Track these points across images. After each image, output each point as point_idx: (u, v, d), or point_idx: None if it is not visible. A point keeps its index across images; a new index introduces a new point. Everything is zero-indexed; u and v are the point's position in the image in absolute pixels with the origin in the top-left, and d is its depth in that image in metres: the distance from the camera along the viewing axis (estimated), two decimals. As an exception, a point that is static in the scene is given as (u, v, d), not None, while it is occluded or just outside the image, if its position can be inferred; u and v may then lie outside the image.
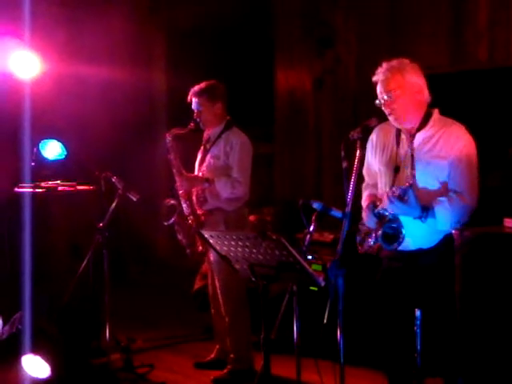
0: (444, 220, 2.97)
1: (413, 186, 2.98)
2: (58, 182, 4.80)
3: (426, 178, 3.03)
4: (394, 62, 3.10)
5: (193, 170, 4.35)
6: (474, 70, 5.06)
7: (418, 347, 2.86)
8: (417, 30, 5.51)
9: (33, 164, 4.73)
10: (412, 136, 3.10)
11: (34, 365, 3.51)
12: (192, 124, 4.20)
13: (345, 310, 2.81)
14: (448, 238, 3.02)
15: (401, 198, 2.91)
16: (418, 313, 2.84)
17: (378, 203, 3.07)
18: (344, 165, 2.88)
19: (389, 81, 3.04)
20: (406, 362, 3.09)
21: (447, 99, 3.18)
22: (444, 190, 3.03)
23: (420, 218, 2.96)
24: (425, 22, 5.49)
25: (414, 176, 3.01)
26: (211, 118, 4.21)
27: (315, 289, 4.24)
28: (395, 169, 3.05)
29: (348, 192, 2.87)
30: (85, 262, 4.15)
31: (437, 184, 3.04)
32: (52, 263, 4.50)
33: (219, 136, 4.22)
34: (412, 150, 3.06)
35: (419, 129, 3.09)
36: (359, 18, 5.98)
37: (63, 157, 4.89)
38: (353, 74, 5.99)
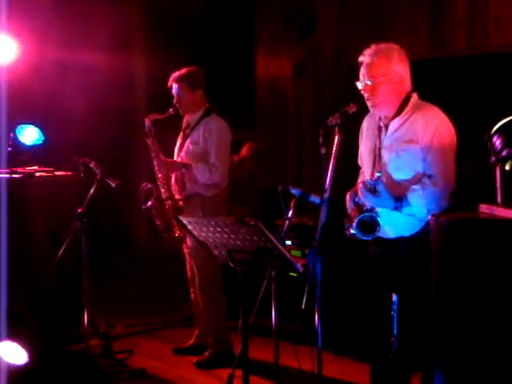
0: (419, 207, 2.95)
1: (386, 177, 2.99)
2: (36, 167, 4.75)
3: (402, 167, 3.02)
4: (383, 47, 3.06)
5: (172, 156, 4.34)
6: (452, 58, 5.10)
7: (395, 332, 2.90)
8: (396, 17, 5.53)
9: (9, 149, 4.68)
10: (386, 125, 3.10)
11: (11, 351, 3.49)
12: (171, 109, 4.22)
13: (323, 295, 2.83)
14: (428, 225, 3.03)
15: (372, 191, 2.92)
16: (394, 298, 2.87)
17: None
18: (322, 151, 2.88)
19: (374, 66, 3.01)
20: (383, 346, 3.12)
21: (426, 86, 3.18)
22: (417, 177, 3.00)
23: (396, 209, 2.96)
24: (405, 10, 5.51)
25: (380, 168, 2.99)
26: (191, 104, 4.22)
27: (295, 274, 4.27)
28: (375, 157, 3.06)
29: (326, 178, 2.88)
30: (63, 248, 4.12)
31: (412, 172, 3.02)
32: (29, 249, 4.46)
33: (198, 122, 4.23)
34: (379, 139, 3.05)
35: (395, 116, 3.08)
36: (339, 5, 5.99)
37: (40, 142, 4.85)
38: (332, 60, 6.00)
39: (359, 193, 2.98)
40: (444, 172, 2.99)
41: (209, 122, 4.21)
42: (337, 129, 2.93)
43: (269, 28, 6.51)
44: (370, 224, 2.91)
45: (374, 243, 3.18)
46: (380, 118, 3.14)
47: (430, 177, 2.99)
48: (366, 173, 3.18)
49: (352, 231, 2.99)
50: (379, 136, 3.08)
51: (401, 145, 3.02)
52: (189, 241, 4.16)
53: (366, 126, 3.23)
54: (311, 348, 2.87)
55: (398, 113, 3.07)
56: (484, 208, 2.77)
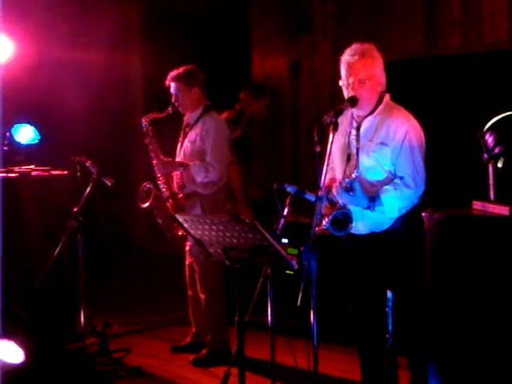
0: (391, 207, 3.05)
1: (359, 177, 3.04)
2: (32, 166, 4.75)
3: (372, 167, 3.09)
4: (366, 47, 3.11)
5: (174, 155, 4.35)
6: (447, 56, 5.11)
7: (390, 328, 2.91)
8: (393, 15, 5.54)
9: (5, 149, 4.68)
10: (359, 123, 3.14)
11: (8, 350, 3.49)
12: (170, 108, 4.22)
13: (319, 289, 2.83)
14: (401, 219, 3.09)
15: (348, 190, 2.98)
16: (389, 294, 2.89)
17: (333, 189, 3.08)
18: (317, 149, 2.89)
19: (360, 66, 3.06)
20: (376, 342, 3.14)
21: (420, 84, 3.20)
22: (389, 178, 3.09)
23: (368, 208, 3.03)
24: (400, 8, 5.52)
25: (357, 167, 3.05)
26: (188, 102, 4.23)
27: (291, 272, 4.27)
28: (347, 156, 3.11)
29: (321, 176, 2.89)
30: (59, 247, 4.12)
31: (382, 173, 3.10)
32: (25, 248, 4.47)
33: (197, 121, 4.25)
34: (357, 140, 3.09)
35: (367, 116, 3.13)
36: (336, 3, 5.99)
37: (36, 141, 4.85)
38: (329, 59, 6.00)
39: (334, 190, 3.03)
40: (414, 174, 3.07)
41: (206, 120, 4.22)
42: (331, 127, 2.95)
43: (264, 26, 6.51)
44: (343, 221, 2.95)
45: (349, 241, 3.22)
46: (353, 116, 3.17)
47: (401, 178, 3.07)
48: (337, 170, 3.22)
49: (324, 227, 3.01)
50: (356, 136, 3.11)
51: (372, 146, 3.09)
52: (190, 239, 4.18)
53: (340, 124, 3.24)
54: (307, 343, 2.87)
55: (371, 112, 3.13)
56: (477, 205, 2.79)
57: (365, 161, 3.08)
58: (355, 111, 3.15)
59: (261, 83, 5.92)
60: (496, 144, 2.69)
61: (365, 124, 3.13)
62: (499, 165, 2.67)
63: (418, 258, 2.92)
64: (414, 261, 3.03)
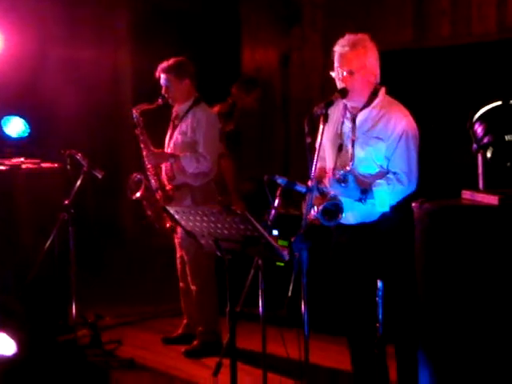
0: (382, 201, 3.06)
1: (352, 169, 3.05)
2: (22, 159, 4.74)
3: (365, 160, 3.09)
4: (359, 38, 3.10)
5: (163, 147, 4.35)
6: (436, 47, 5.13)
7: (380, 317, 2.93)
8: (383, 6, 5.55)
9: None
10: (354, 115, 3.14)
11: (0, 342, 3.49)
12: (160, 100, 4.23)
13: (310, 280, 2.85)
14: (391, 210, 3.10)
15: (341, 181, 2.99)
16: (379, 283, 2.91)
17: (324, 180, 3.09)
18: (308, 140, 2.90)
19: (352, 57, 3.06)
20: (366, 331, 3.16)
21: (410, 75, 3.21)
22: (382, 172, 3.09)
23: (360, 200, 3.04)
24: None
25: (353, 159, 3.06)
26: (179, 94, 4.24)
27: (282, 264, 4.29)
28: (338, 146, 3.11)
29: (312, 167, 2.90)
30: (50, 240, 4.12)
31: (375, 166, 3.10)
32: (16, 241, 4.46)
33: (187, 112, 4.26)
34: (353, 131, 3.09)
35: (363, 108, 3.13)
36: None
37: (26, 134, 4.83)
38: (319, 50, 6.01)
39: (326, 181, 3.03)
40: (408, 170, 3.08)
41: (197, 111, 4.23)
42: (321, 118, 2.95)
43: (254, 19, 6.50)
44: (334, 211, 2.96)
45: (337, 231, 3.24)
46: (345, 108, 3.17)
47: (394, 174, 3.08)
48: (328, 160, 3.22)
49: (314, 216, 3.01)
50: (352, 128, 3.11)
51: (367, 139, 3.09)
52: (180, 231, 4.19)
53: (331, 113, 3.23)
54: (298, 333, 2.89)
55: (366, 105, 3.12)
56: (466, 194, 2.81)
57: (359, 153, 3.08)
58: (348, 102, 3.16)
59: (252, 76, 5.96)
60: (485, 134, 2.72)
61: (360, 116, 3.13)
62: (488, 155, 2.69)
63: (407, 248, 2.95)
64: (403, 250, 3.05)
